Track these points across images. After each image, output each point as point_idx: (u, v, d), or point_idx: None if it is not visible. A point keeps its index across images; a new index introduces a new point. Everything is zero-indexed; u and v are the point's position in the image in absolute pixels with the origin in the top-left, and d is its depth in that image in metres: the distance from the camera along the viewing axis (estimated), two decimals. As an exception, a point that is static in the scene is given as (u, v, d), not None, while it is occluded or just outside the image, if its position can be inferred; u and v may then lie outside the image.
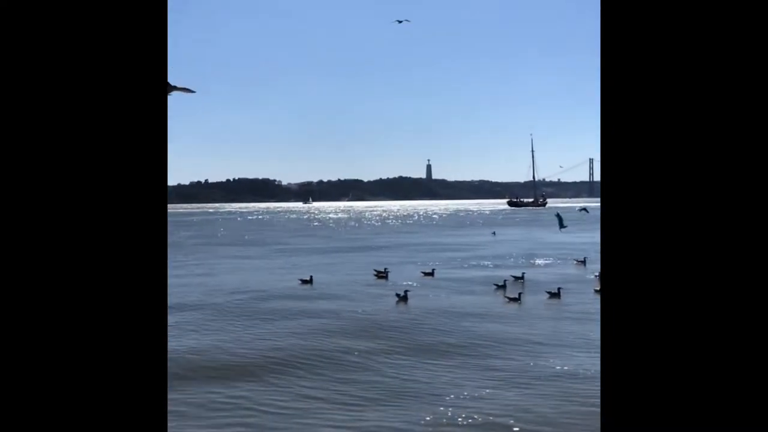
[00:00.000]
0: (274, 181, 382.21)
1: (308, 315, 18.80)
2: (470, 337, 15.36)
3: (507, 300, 20.26)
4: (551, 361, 12.90)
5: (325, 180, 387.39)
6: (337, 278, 27.50)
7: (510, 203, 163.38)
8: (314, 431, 9.64)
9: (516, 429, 9.37)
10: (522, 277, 24.72)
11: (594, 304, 18.58)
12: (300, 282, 25.51)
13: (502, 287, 22.55)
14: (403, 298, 20.50)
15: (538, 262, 33.26)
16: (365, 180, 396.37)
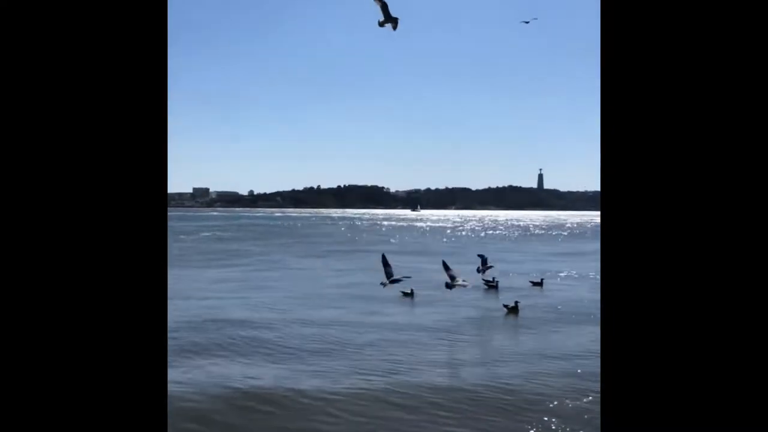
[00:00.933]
0: (383, 188, 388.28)
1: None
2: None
3: None
4: None
5: (432, 188, 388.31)
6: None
7: None
8: None
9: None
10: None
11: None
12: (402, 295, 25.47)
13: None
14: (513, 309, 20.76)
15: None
16: (473, 188, 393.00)
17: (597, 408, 11.36)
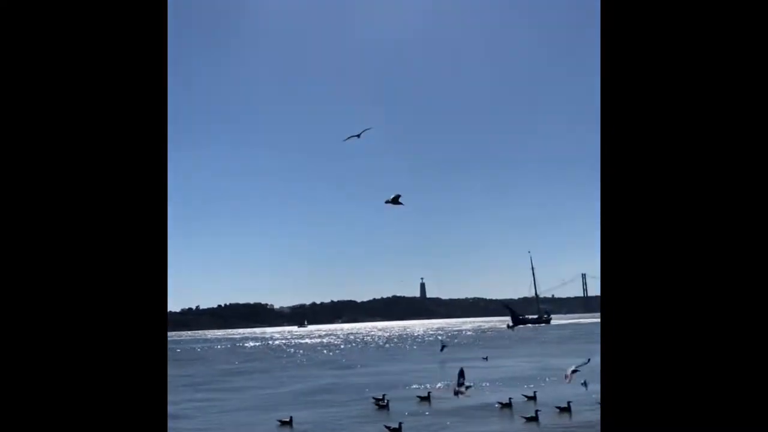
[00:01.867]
0: (266, 305, 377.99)
1: None
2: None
3: (523, 419, 19.46)
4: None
5: (318, 302, 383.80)
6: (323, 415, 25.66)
7: (514, 320, 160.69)
8: None
9: None
10: (534, 396, 23.85)
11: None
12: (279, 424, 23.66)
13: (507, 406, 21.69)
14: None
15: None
16: (359, 300, 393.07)
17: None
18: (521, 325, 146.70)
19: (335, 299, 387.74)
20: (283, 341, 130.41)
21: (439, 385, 28.01)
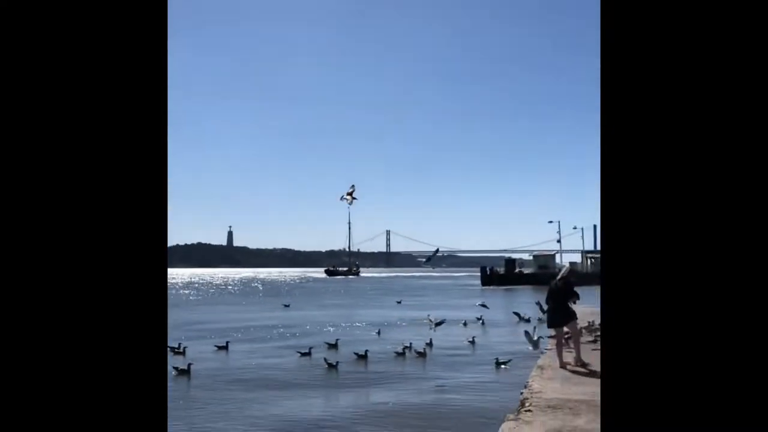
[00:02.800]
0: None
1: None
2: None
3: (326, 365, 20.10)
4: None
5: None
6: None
7: (327, 272, 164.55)
8: None
9: None
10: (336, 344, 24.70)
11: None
12: None
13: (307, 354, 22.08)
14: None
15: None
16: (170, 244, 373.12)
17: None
18: (336, 276, 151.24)
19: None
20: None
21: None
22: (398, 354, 20.52)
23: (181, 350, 23.83)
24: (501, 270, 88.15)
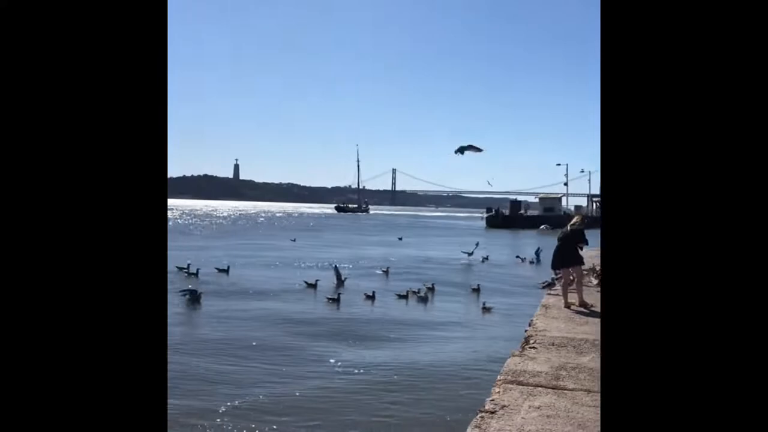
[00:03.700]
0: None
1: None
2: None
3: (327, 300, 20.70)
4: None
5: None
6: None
7: (337, 208, 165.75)
8: None
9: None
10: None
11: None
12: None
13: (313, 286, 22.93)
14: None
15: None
16: (169, 176, 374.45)
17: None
18: (344, 213, 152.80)
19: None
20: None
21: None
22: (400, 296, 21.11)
23: (195, 272, 24.60)
24: (506, 212, 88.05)
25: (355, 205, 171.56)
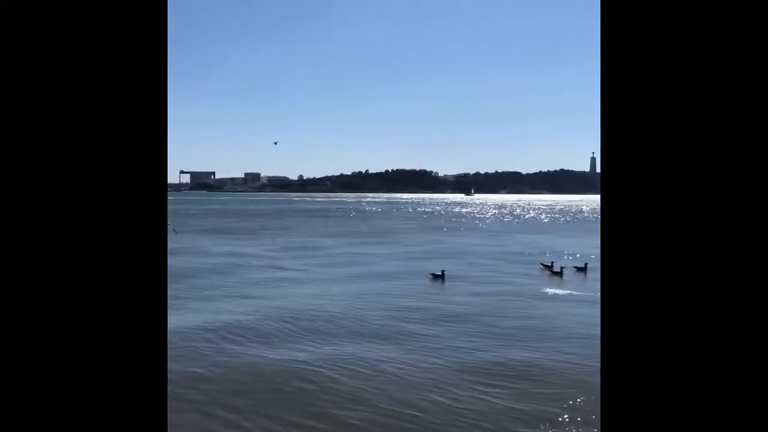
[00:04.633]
0: (431, 172, 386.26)
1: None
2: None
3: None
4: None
5: (481, 172, 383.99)
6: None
7: None
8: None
9: None
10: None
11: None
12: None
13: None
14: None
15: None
16: (523, 172, 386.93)
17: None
18: None
19: (499, 170, 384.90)
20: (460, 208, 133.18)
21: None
22: None
23: (559, 270, 26.21)
24: None
25: None
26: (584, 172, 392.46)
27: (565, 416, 9.74)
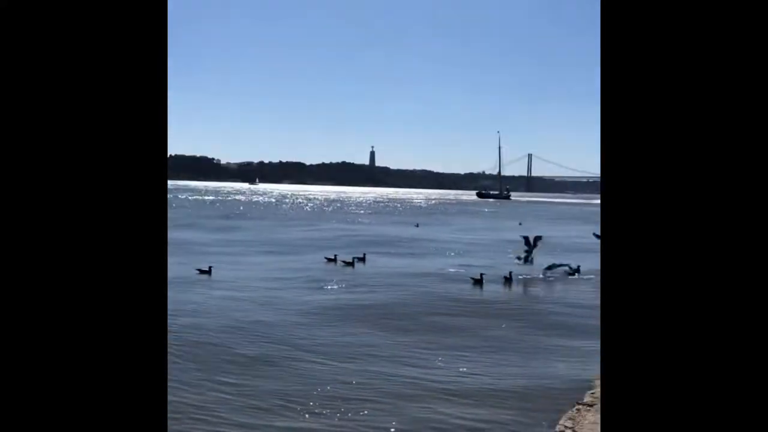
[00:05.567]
0: (212, 159, 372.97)
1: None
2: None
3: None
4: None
5: (265, 161, 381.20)
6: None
7: (478, 195, 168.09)
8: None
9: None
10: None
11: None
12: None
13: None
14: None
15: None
16: (307, 163, 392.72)
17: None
18: (485, 199, 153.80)
19: (284, 160, 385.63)
20: (241, 197, 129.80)
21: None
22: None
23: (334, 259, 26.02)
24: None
25: (497, 192, 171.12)
26: (364, 165, 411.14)
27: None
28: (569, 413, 4.42)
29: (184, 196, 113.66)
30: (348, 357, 12.25)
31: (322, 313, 16.62)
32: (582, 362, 11.79)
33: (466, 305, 18.26)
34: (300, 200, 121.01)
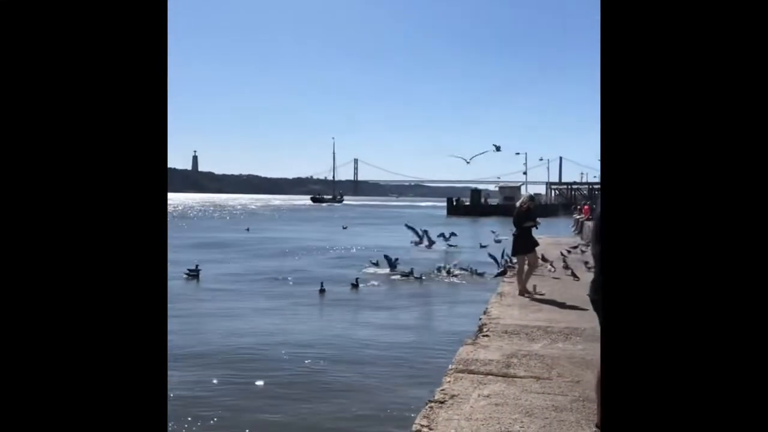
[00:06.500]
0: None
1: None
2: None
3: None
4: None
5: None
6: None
7: (313, 199, 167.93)
8: None
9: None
10: None
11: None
12: None
13: None
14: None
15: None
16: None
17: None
18: (321, 204, 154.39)
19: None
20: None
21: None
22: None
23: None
24: (467, 201, 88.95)
25: (330, 196, 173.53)
26: (187, 170, 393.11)
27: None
28: (423, 412, 4.75)
29: None
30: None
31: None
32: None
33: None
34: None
